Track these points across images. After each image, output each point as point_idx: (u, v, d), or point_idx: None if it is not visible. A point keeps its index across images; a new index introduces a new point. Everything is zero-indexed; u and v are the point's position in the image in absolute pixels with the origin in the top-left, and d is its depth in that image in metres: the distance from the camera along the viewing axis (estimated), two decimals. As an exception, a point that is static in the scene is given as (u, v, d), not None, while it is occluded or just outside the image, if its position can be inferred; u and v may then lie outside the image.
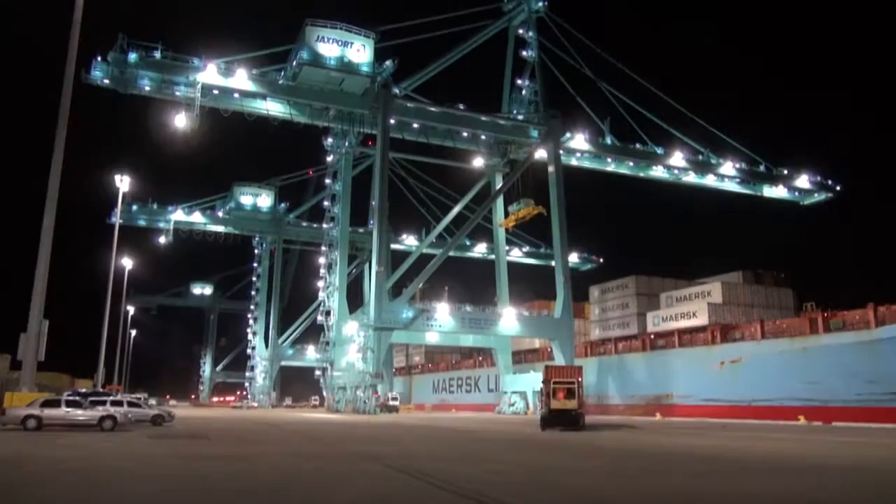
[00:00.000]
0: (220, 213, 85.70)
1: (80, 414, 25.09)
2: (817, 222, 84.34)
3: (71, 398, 27.19)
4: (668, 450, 20.16)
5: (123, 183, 46.23)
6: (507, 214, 67.45)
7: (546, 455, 18.42)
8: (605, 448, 21.08)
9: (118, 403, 29.55)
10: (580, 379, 31.94)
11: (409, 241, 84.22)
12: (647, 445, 22.11)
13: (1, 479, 12.41)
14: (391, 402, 63.05)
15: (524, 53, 68.55)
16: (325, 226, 70.19)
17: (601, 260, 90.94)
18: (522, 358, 71.12)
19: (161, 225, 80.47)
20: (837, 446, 22.52)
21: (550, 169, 63.37)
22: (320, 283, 69.40)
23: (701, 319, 54.96)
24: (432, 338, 65.64)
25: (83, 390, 40.13)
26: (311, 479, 12.89)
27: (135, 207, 78.10)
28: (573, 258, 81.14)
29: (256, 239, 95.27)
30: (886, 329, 40.65)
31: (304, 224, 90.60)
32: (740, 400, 48.17)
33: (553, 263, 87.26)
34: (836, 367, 42.12)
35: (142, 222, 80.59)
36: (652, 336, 59.29)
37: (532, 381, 63.10)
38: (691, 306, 56.83)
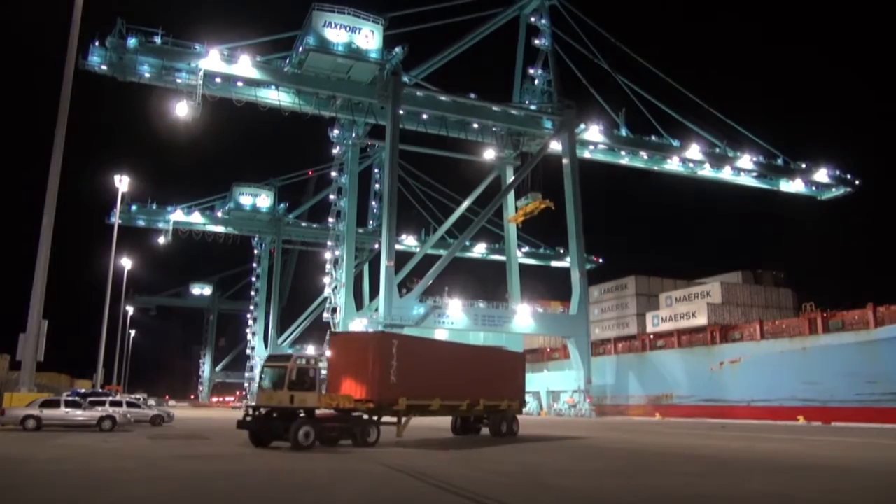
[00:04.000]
0: (220, 214, 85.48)
1: (79, 414, 25.08)
2: (817, 223, 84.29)
3: (70, 399, 27.19)
4: (667, 450, 20.14)
5: (122, 183, 46.18)
6: (515, 210, 66.31)
7: (546, 455, 18.41)
8: (605, 448, 21.06)
9: (117, 404, 29.54)
10: (372, 356, 20.04)
11: (408, 241, 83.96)
12: (647, 446, 22.09)
13: (0, 479, 12.39)
14: None
15: (536, 42, 67.27)
16: (330, 220, 68.95)
17: (600, 260, 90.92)
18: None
19: (160, 225, 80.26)
20: (837, 446, 22.52)
21: (565, 161, 62.09)
22: (326, 280, 68.27)
23: (700, 320, 54.97)
24: (441, 335, 64.85)
25: (82, 391, 40.11)
26: (310, 479, 12.88)
27: (134, 208, 77.90)
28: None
29: (256, 239, 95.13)
30: (885, 329, 40.71)
31: (304, 224, 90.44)
32: (739, 400, 48.24)
33: (553, 263, 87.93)
34: (835, 367, 42.17)
35: (141, 222, 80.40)
36: (651, 336, 59.27)
37: (546, 380, 62.74)
38: (691, 307, 56.82)
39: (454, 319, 56.47)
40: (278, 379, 18.61)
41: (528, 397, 62.81)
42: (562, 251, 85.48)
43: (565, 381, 58.88)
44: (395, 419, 21.00)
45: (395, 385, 20.22)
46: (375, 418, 20.31)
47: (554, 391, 60.49)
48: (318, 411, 19.07)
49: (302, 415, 18.45)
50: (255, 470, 14.07)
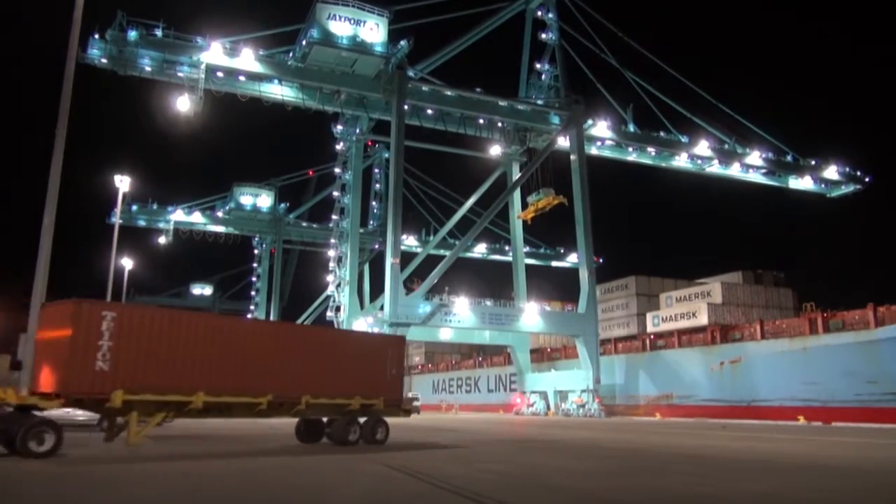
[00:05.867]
0: (220, 214, 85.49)
1: (79, 414, 25.06)
2: (817, 222, 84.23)
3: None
4: (669, 450, 20.15)
5: (123, 183, 46.14)
6: (525, 206, 65.19)
7: (547, 456, 18.41)
8: (606, 448, 21.07)
9: (118, 403, 29.54)
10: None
11: (409, 241, 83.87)
12: (649, 446, 22.09)
13: (0, 479, 12.40)
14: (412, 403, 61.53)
15: (543, 36, 66.70)
16: (334, 217, 68.48)
17: (601, 260, 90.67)
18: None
19: (161, 225, 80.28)
20: (837, 446, 22.52)
21: (573, 157, 61.50)
22: (329, 278, 67.98)
23: (701, 320, 54.96)
24: (446, 334, 63.87)
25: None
26: (309, 479, 12.88)
27: (134, 208, 77.88)
28: (572, 258, 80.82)
29: (256, 239, 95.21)
30: (886, 329, 40.69)
31: (305, 224, 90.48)
32: (740, 400, 48.23)
33: (553, 263, 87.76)
34: (835, 367, 42.18)
35: (142, 222, 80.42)
36: (651, 336, 59.22)
37: (553, 380, 62.45)
38: (691, 307, 56.81)
39: (461, 318, 55.69)
40: None
41: (535, 397, 63.84)
42: (562, 251, 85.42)
43: (573, 380, 58.59)
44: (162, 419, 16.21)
45: (105, 374, 14.94)
46: (108, 422, 15.88)
47: (562, 391, 60.22)
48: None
49: None
50: (253, 469, 14.07)
